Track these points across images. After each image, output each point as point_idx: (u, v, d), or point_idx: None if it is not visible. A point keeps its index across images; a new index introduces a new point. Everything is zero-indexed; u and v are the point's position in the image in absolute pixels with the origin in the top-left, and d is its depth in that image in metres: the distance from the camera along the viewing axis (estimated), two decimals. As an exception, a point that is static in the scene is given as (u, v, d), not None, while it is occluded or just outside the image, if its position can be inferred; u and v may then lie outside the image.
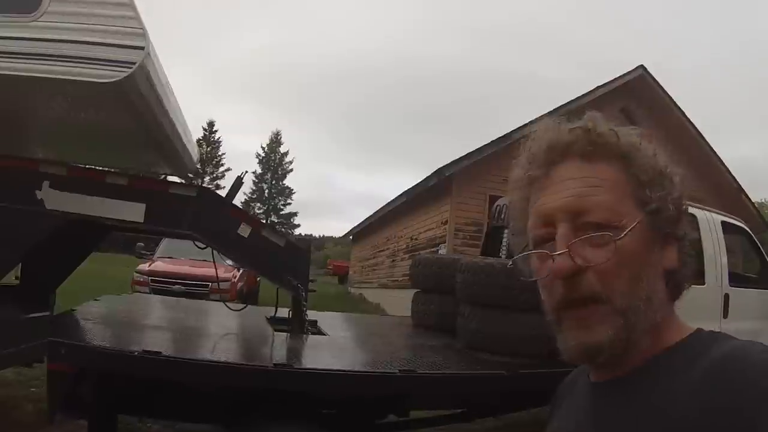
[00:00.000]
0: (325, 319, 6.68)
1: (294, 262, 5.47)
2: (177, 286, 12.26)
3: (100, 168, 6.11)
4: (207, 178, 58.96)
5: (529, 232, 1.02)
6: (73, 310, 5.20)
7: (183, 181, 8.53)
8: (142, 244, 14.43)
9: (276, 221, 65.19)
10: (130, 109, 4.75)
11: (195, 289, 12.24)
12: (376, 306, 20.71)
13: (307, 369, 4.17)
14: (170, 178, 7.59)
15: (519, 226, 1.08)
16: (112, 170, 6.26)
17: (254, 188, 66.68)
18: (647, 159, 0.99)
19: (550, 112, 14.31)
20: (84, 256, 6.44)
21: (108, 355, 3.74)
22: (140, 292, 11.83)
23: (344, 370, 4.20)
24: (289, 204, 68.25)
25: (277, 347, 5.03)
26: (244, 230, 5.22)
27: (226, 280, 12.79)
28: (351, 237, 35.25)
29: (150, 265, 13.39)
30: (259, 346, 5.12)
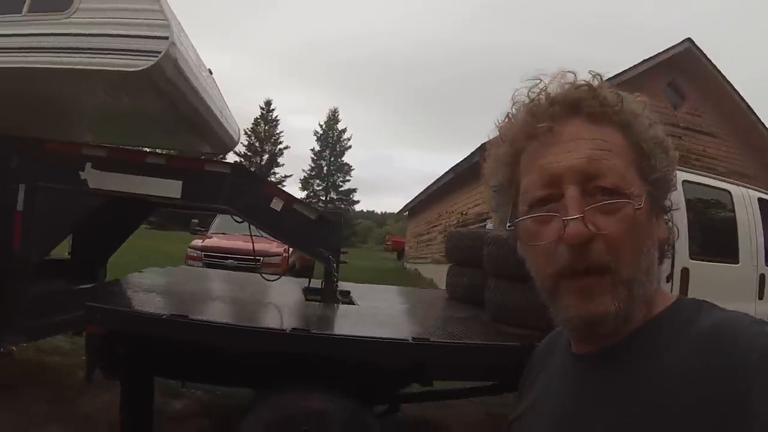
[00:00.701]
0: (361, 290, 6.95)
1: (326, 234, 5.69)
2: (229, 261, 12.58)
3: (139, 148, 6.53)
4: (266, 156, 59.86)
5: (525, 190, 0.95)
6: (117, 280, 5.60)
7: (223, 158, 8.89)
8: (197, 220, 14.87)
9: (335, 198, 65.90)
10: (161, 94, 5.09)
11: (246, 263, 12.57)
12: (430, 281, 20.62)
13: (321, 334, 4.31)
14: (219, 157, 7.94)
15: (505, 181, 1.02)
16: (150, 150, 6.67)
17: (313, 165, 67.38)
18: (648, 128, 0.95)
19: None
20: (130, 231, 6.91)
21: (138, 318, 4.08)
22: (193, 266, 12.29)
23: (355, 336, 4.34)
24: (348, 180, 68.65)
25: (302, 314, 5.29)
26: (277, 204, 5.51)
27: (276, 255, 13.10)
28: (407, 213, 35.36)
29: (203, 241, 13.80)
30: (285, 313, 5.36)
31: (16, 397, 5.41)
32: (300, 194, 63.57)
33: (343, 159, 68.30)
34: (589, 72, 0.97)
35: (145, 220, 7.99)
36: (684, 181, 5.40)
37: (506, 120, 1.01)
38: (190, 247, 13.73)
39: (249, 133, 60.10)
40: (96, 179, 5.18)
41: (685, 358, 0.83)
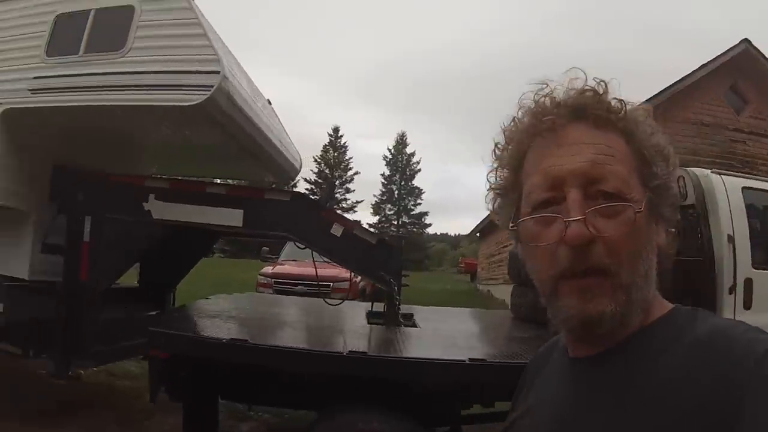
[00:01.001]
0: (425, 313, 6.94)
1: (387, 258, 5.73)
2: (299, 287, 12.70)
3: (200, 179, 6.76)
4: (336, 182, 60.67)
5: (528, 193, 0.96)
6: (183, 306, 5.79)
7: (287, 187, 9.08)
8: (267, 248, 15.10)
9: (407, 222, 65.96)
10: (217, 126, 5.27)
11: (316, 289, 12.67)
12: (501, 302, 20.36)
13: (378, 356, 4.36)
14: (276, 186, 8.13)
15: (508, 183, 1.03)
16: (211, 181, 6.90)
17: (383, 190, 67.75)
18: (650, 136, 0.96)
19: (656, 96, 13.74)
20: (197, 259, 7.14)
21: (199, 342, 4.22)
22: (264, 293, 12.51)
23: (411, 358, 4.37)
24: (420, 204, 68.50)
25: (362, 337, 5.30)
26: (337, 230, 5.59)
27: (346, 280, 13.19)
28: (478, 234, 35.12)
29: (273, 268, 14.02)
30: (345, 336, 5.39)
31: (87, 419, 5.66)
32: (372, 219, 64.18)
33: (413, 182, 68.38)
34: (594, 78, 0.97)
35: (211, 248, 8.23)
36: (744, 188, 5.16)
37: (511, 123, 1.02)
38: (261, 274, 13.97)
39: (318, 160, 61.26)
40: (159, 210, 5.40)
41: (679, 364, 0.84)
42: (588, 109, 0.94)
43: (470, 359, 4.19)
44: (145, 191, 5.45)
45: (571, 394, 0.98)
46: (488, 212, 1.11)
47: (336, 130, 65.04)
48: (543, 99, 0.98)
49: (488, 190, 1.08)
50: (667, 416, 0.80)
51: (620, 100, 0.95)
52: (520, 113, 1.01)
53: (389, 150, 68.93)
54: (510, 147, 1.02)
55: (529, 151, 0.98)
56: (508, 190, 1.03)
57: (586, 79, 0.97)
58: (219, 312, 5.76)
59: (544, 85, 0.99)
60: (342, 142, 65.29)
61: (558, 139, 0.94)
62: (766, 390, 0.74)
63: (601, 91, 0.95)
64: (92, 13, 5.23)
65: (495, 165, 1.05)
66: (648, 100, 13.79)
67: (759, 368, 0.76)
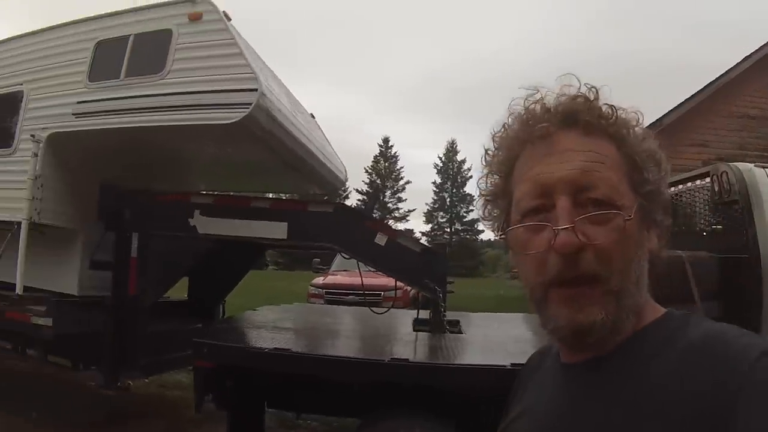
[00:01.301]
0: (472, 319, 6.92)
1: (431, 265, 5.74)
2: (350, 297, 12.78)
3: (244, 194, 6.93)
4: (388, 192, 60.88)
5: (518, 200, 0.96)
6: (230, 317, 5.92)
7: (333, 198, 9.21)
8: (318, 260, 15.28)
9: (460, 229, 65.61)
10: (258, 142, 5.41)
11: (368, 298, 12.69)
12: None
13: (419, 363, 4.37)
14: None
15: (499, 190, 1.03)
16: (255, 195, 7.06)
17: (435, 198, 67.55)
18: (642, 141, 0.96)
19: (700, 91, 13.37)
20: (244, 272, 7.30)
21: (242, 352, 4.32)
22: (315, 303, 12.65)
23: (452, 364, 4.35)
24: (472, 210, 67.73)
25: (407, 345, 5.32)
26: (381, 239, 5.65)
27: (396, 289, 13.21)
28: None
29: (324, 279, 14.18)
30: (390, 344, 5.41)
31: (136, 429, 5.86)
32: (424, 228, 64.06)
33: (464, 189, 68.05)
34: (585, 84, 0.97)
35: (257, 261, 8.41)
36: None
37: (502, 129, 1.02)
38: (312, 285, 14.14)
39: (369, 170, 61.53)
40: (205, 225, 5.57)
41: (672, 369, 0.83)
42: (578, 115, 0.94)
43: (512, 364, 4.14)
44: (191, 207, 5.63)
45: (563, 400, 0.97)
46: (479, 218, 1.10)
47: (386, 140, 65.27)
48: (533, 105, 0.98)
49: (479, 196, 1.08)
50: (660, 422, 0.80)
51: (611, 106, 0.95)
52: (510, 119, 1.01)
53: (440, 158, 68.75)
54: (500, 153, 1.02)
55: (519, 157, 0.98)
56: (498, 197, 1.03)
57: (580, 86, 0.97)
58: (265, 323, 5.87)
59: (536, 91, 0.98)
60: (393, 152, 65.52)
61: (548, 146, 0.94)
62: (759, 396, 0.74)
63: (592, 98, 0.95)
64: (131, 38, 5.47)
65: (485, 171, 1.05)
66: (693, 96, 13.55)
67: (752, 373, 0.76)
